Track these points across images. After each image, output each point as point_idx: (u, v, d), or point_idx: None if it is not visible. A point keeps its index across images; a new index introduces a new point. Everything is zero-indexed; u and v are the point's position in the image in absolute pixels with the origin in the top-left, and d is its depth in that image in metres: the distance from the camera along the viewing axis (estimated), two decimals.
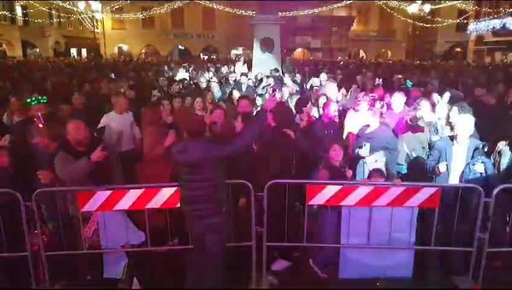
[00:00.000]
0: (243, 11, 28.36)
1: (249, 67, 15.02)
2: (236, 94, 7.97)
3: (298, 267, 4.47)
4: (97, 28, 32.93)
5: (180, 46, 40.69)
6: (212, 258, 3.60)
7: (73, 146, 3.93)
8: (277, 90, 8.04)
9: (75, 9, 30.91)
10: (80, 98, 6.87)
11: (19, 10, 30.54)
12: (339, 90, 8.03)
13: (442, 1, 32.35)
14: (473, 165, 4.23)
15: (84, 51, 38.61)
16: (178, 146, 3.55)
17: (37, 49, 33.63)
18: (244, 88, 9.43)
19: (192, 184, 3.41)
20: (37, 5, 29.26)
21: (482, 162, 4.22)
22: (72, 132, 3.89)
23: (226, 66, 15.93)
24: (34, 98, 5.48)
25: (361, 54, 41.33)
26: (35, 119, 4.98)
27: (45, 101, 5.51)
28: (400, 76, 9.92)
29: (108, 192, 3.86)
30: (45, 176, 3.89)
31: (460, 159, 4.38)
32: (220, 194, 3.45)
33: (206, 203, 3.42)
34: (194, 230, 3.64)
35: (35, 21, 31.21)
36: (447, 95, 6.76)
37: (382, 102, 6.25)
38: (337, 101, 6.97)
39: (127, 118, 5.89)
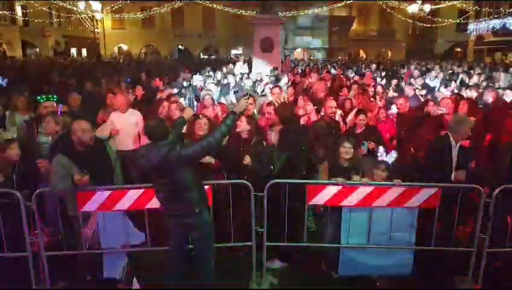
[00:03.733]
0: (243, 11, 28.34)
1: (249, 67, 15.01)
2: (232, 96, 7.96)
3: (298, 267, 4.46)
4: (97, 28, 32.86)
5: (180, 46, 40.65)
6: (199, 259, 3.61)
7: (75, 146, 3.91)
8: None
9: (75, 9, 30.81)
10: (77, 99, 6.74)
11: (19, 10, 30.49)
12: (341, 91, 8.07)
13: (442, 1, 32.26)
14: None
15: (84, 51, 38.56)
16: (139, 151, 3.56)
17: (37, 49, 33.59)
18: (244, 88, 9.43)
19: (161, 186, 3.45)
20: (37, 5, 29.16)
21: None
22: (79, 132, 3.86)
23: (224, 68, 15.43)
24: (44, 96, 5.44)
25: (362, 54, 41.29)
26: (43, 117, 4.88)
27: (55, 99, 5.47)
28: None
29: (108, 192, 3.86)
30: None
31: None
32: (190, 194, 3.39)
33: (176, 204, 3.44)
34: (170, 230, 3.64)
35: (35, 21, 31.11)
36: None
37: None
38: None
39: (130, 117, 5.80)
